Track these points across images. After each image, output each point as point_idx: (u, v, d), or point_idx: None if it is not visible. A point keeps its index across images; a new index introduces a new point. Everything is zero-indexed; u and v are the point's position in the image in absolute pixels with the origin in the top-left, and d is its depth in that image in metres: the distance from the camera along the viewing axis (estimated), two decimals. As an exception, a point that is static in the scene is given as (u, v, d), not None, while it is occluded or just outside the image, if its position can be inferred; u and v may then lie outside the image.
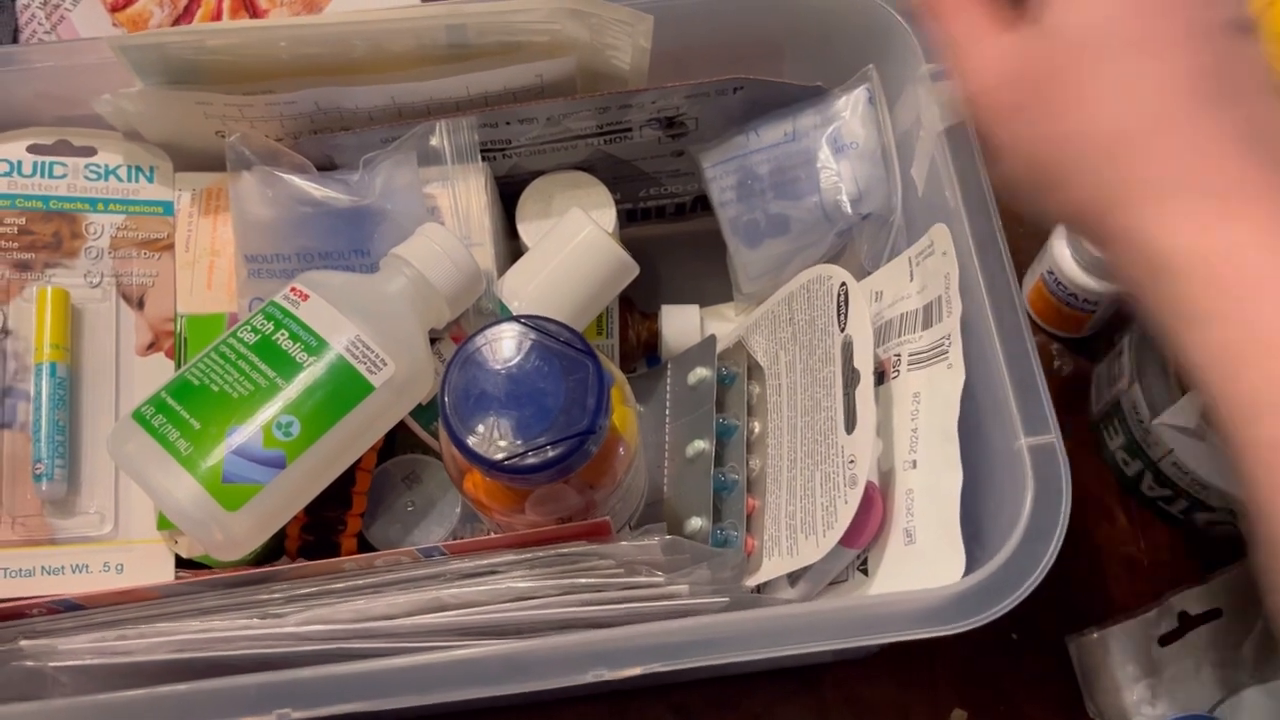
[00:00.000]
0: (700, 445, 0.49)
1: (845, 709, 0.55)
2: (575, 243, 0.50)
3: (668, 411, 0.52)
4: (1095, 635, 0.54)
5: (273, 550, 0.48)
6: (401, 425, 0.51)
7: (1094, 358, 0.62)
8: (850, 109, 0.50)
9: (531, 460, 0.38)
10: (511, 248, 0.60)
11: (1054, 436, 0.41)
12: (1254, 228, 0.32)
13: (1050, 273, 0.59)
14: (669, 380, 0.53)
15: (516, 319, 0.40)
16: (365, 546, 0.50)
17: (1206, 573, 0.55)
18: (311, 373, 0.43)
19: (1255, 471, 0.32)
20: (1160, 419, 0.53)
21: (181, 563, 0.49)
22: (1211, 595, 0.54)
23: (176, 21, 0.68)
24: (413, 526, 0.50)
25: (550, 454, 0.38)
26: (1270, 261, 0.32)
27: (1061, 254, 0.58)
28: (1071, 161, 0.35)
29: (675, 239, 0.61)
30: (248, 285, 0.48)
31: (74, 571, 0.47)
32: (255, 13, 0.68)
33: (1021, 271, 0.63)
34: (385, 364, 0.43)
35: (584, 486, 0.42)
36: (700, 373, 0.51)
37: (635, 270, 0.51)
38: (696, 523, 0.48)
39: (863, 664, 0.55)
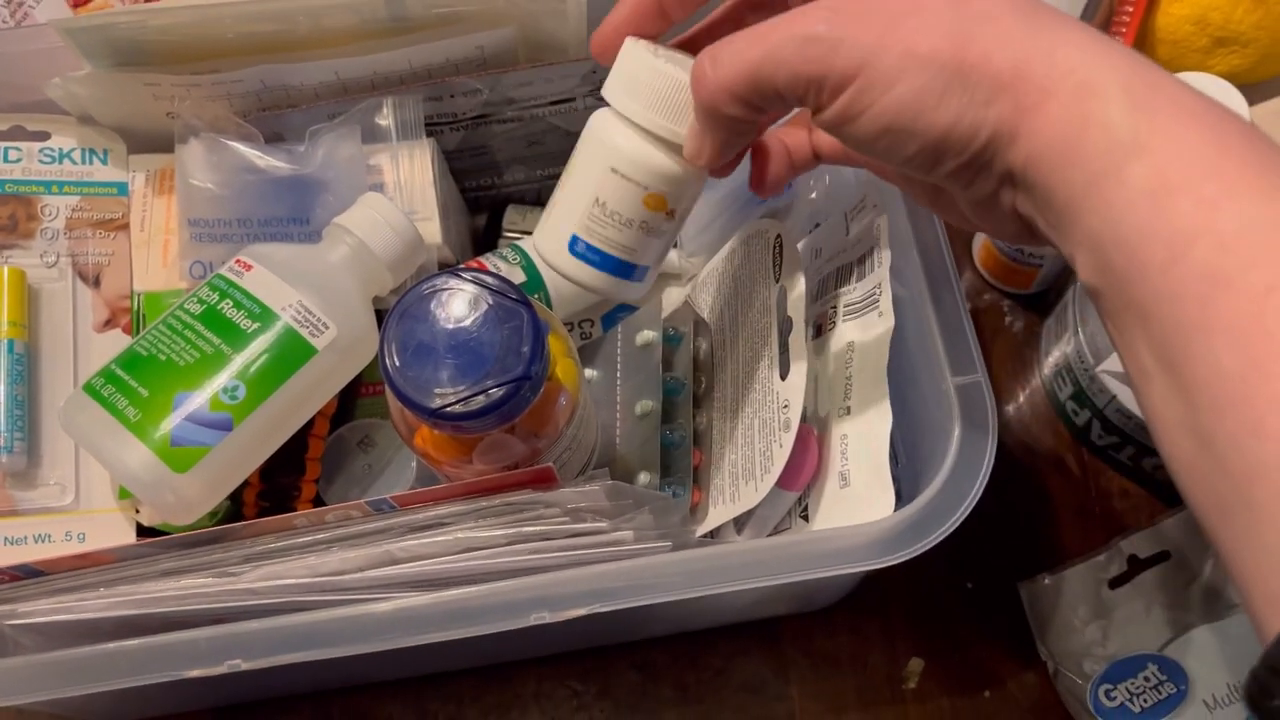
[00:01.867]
0: (648, 404, 0.50)
1: (804, 661, 0.56)
2: None
3: (619, 372, 0.53)
4: (1047, 580, 0.55)
5: (230, 518, 0.50)
6: (356, 392, 0.53)
7: (1044, 313, 0.63)
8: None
9: (470, 406, 0.39)
10: (466, 222, 0.61)
11: (980, 375, 0.42)
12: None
13: (996, 229, 0.60)
14: (620, 341, 0.54)
15: (451, 272, 0.41)
16: (325, 513, 0.51)
17: (1154, 517, 0.56)
18: (256, 338, 0.44)
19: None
20: (1102, 366, 0.54)
21: (143, 532, 0.50)
22: (1160, 538, 0.55)
23: (136, 14, 0.69)
24: (370, 488, 0.51)
25: (488, 400, 0.39)
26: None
27: (1006, 210, 0.59)
28: (982, 30, 0.31)
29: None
30: (189, 248, 0.49)
31: (36, 541, 0.48)
32: (214, 3, 0.70)
33: (970, 232, 0.64)
34: (328, 327, 0.44)
35: (528, 435, 0.43)
36: (647, 334, 0.52)
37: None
38: (645, 477, 0.49)
39: (820, 616, 0.56)
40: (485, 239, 0.60)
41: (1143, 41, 0.62)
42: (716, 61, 0.33)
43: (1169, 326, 0.28)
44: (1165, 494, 0.58)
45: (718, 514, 0.47)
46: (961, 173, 0.32)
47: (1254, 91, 0.61)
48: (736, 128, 0.35)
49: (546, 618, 0.40)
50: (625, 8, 0.38)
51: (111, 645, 0.40)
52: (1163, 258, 0.28)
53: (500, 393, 0.39)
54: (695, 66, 0.34)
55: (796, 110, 0.41)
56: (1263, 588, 0.27)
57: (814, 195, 0.53)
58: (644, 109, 0.37)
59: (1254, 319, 0.27)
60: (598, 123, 0.39)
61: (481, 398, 0.39)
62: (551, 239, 0.40)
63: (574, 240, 0.39)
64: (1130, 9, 0.60)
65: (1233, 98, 0.56)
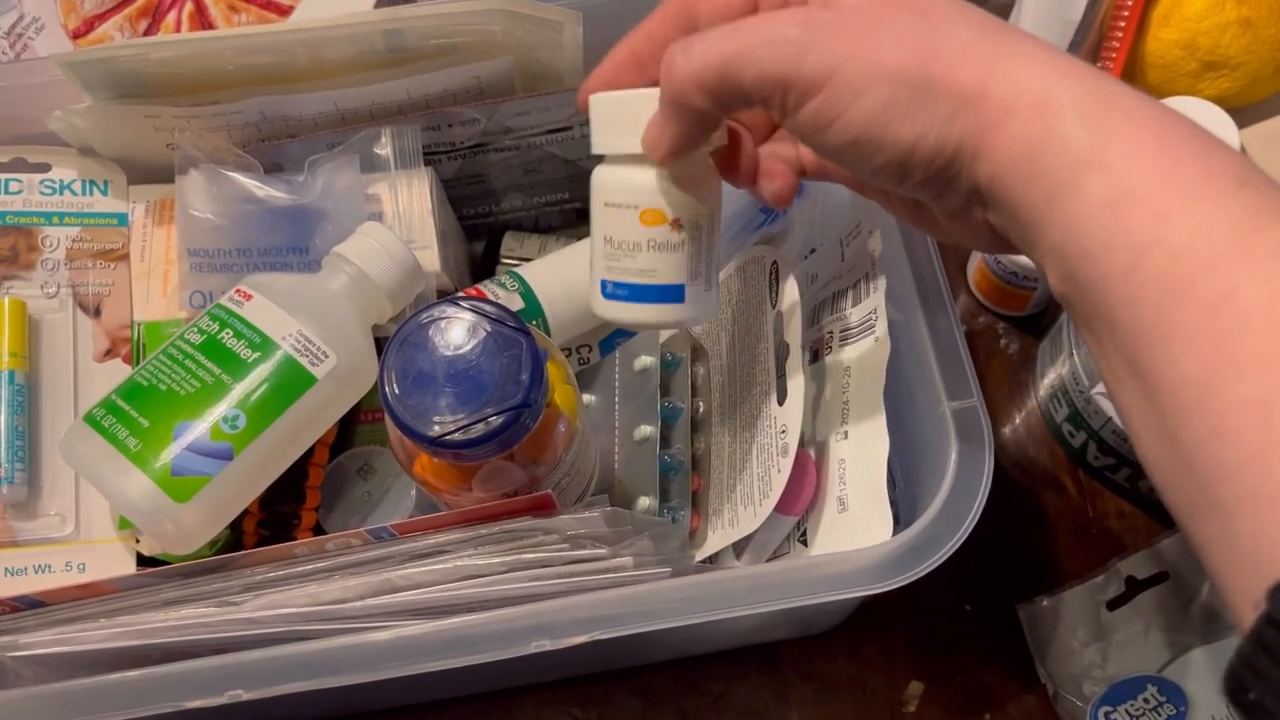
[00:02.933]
0: (646, 430, 0.51)
1: (804, 685, 0.56)
2: None
3: (617, 397, 0.53)
4: (1045, 602, 0.55)
5: (230, 548, 0.50)
6: (355, 420, 0.53)
7: (1039, 335, 0.63)
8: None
9: (470, 435, 0.40)
10: (464, 250, 0.61)
11: (976, 400, 0.42)
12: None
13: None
14: (617, 367, 0.54)
15: (450, 301, 0.41)
16: (324, 541, 0.51)
17: (1152, 538, 0.56)
18: (256, 367, 0.44)
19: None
20: (1098, 388, 0.54)
21: (144, 561, 0.50)
22: (1157, 559, 0.55)
23: (135, 45, 0.70)
24: (369, 515, 0.51)
25: (487, 428, 0.39)
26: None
27: (999, 233, 0.59)
28: (945, 45, 0.32)
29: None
30: (189, 278, 0.49)
31: (36, 572, 0.48)
32: (212, 34, 0.70)
33: (965, 256, 0.65)
34: (327, 356, 0.45)
35: (527, 462, 0.43)
36: (644, 360, 0.52)
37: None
38: (644, 502, 0.49)
39: (820, 640, 0.56)
40: (483, 266, 0.60)
41: (1132, 66, 0.63)
42: (688, 52, 0.34)
43: (1133, 333, 0.29)
44: (1162, 515, 0.58)
45: (716, 539, 0.47)
46: (929, 185, 0.33)
47: (1243, 114, 0.62)
48: (699, 121, 0.35)
49: (547, 645, 0.40)
50: (607, 63, 0.39)
51: (113, 676, 0.40)
52: (1122, 267, 0.29)
53: (499, 420, 0.40)
54: (666, 55, 0.34)
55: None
56: (1236, 584, 0.28)
57: (809, 221, 0.53)
58: (612, 137, 0.38)
59: (1208, 326, 0.28)
60: (592, 178, 0.40)
61: (481, 426, 0.40)
62: (593, 296, 0.40)
63: (604, 285, 0.40)
64: (1120, 34, 0.61)
65: (1222, 121, 0.56)
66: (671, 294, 0.39)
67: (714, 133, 0.37)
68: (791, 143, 0.42)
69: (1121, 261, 0.29)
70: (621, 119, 0.38)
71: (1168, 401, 0.28)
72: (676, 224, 0.39)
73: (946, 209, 0.34)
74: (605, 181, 0.39)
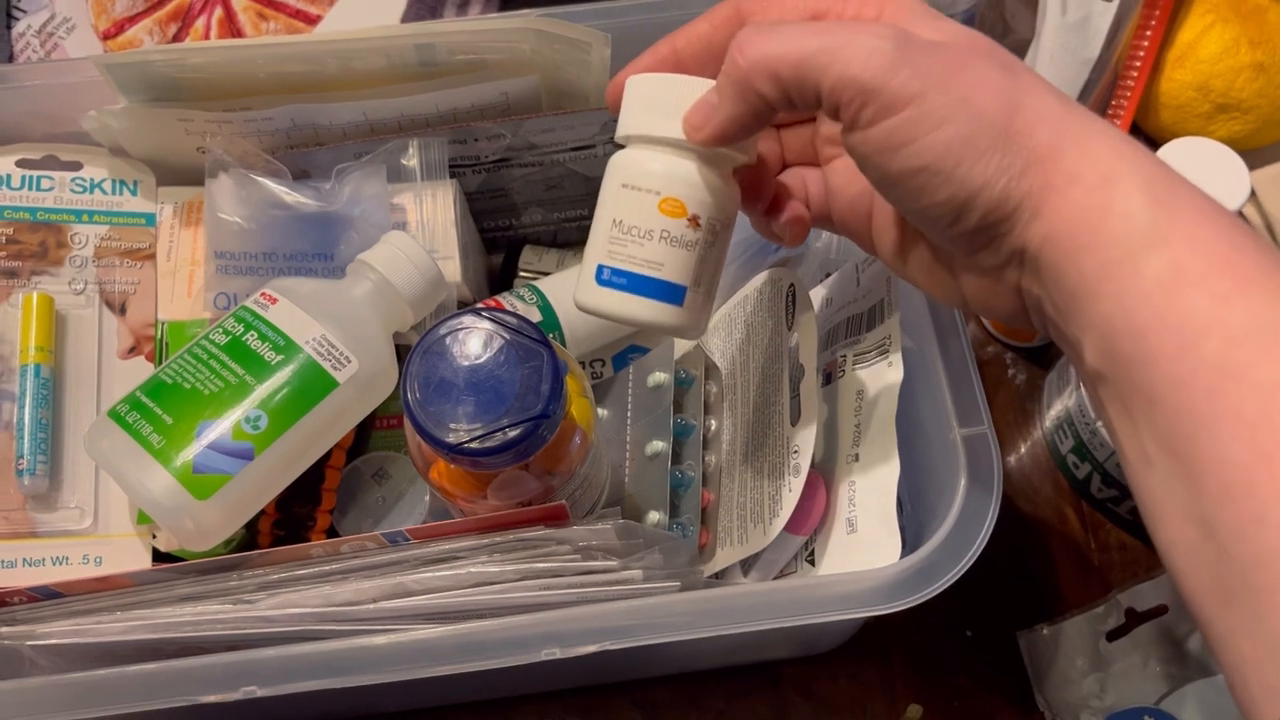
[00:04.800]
0: (658, 445, 0.51)
1: (805, 705, 0.56)
2: None
3: (629, 412, 0.54)
4: (1046, 631, 0.56)
5: (244, 547, 0.50)
6: (372, 425, 0.54)
7: (1047, 366, 0.64)
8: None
9: (488, 443, 0.40)
10: (483, 262, 0.62)
11: (986, 427, 0.43)
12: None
13: (1001, 283, 0.61)
14: (631, 382, 0.55)
15: (473, 311, 0.42)
16: (336, 544, 0.52)
17: (1153, 570, 0.57)
18: (279, 370, 0.45)
19: None
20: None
21: (160, 557, 0.51)
22: (1158, 592, 0.56)
23: (165, 49, 0.71)
24: (383, 519, 0.52)
25: (506, 437, 0.40)
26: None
27: (1011, 265, 0.60)
28: (1030, 101, 0.32)
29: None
30: (215, 280, 0.50)
31: (54, 563, 0.49)
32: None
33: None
34: (349, 361, 0.46)
35: (542, 472, 0.44)
36: (659, 376, 0.53)
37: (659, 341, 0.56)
38: (654, 516, 0.50)
39: (821, 661, 0.57)
40: (501, 278, 0.61)
41: (1146, 106, 0.64)
42: (769, 35, 0.33)
43: (1177, 413, 0.29)
44: (1163, 548, 0.59)
45: (725, 555, 0.47)
46: (977, 235, 0.33)
47: (1254, 157, 0.63)
48: (756, 110, 0.34)
49: (557, 654, 0.41)
50: (646, 57, 0.38)
51: (128, 668, 0.40)
52: (1174, 347, 0.29)
53: (518, 430, 0.40)
54: (742, 33, 0.33)
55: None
56: (1259, 677, 0.28)
57: (825, 245, 0.54)
58: (646, 117, 0.37)
59: (1261, 412, 0.28)
60: (610, 161, 0.39)
61: (499, 435, 0.40)
62: (581, 282, 0.39)
63: (599, 270, 0.38)
64: (1135, 73, 0.62)
65: (1233, 163, 0.57)
66: (672, 293, 0.37)
67: (762, 127, 0.35)
68: (801, 184, 0.41)
69: (1174, 341, 0.29)
70: (661, 101, 0.36)
71: (1209, 485, 0.28)
72: (695, 221, 0.37)
73: (980, 265, 0.34)
74: (628, 162, 0.37)
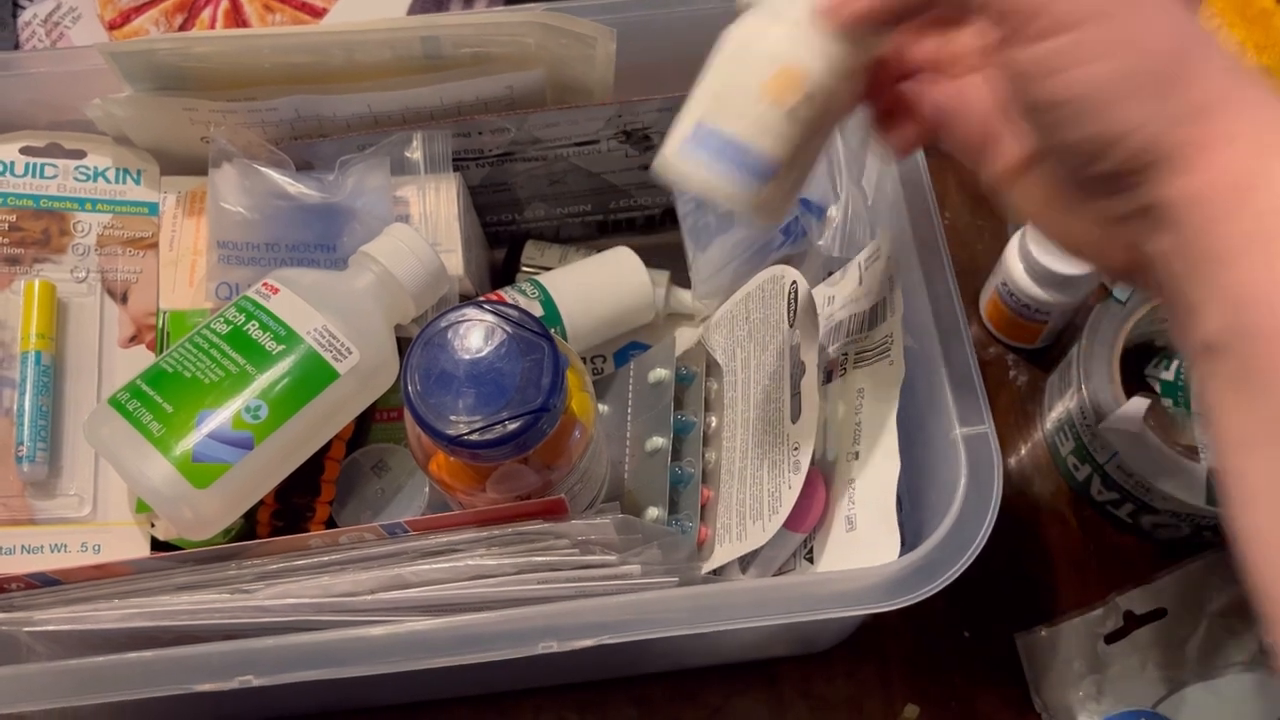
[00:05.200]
0: (658, 441, 0.51)
1: (801, 703, 0.56)
2: (620, 267, 0.58)
3: (630, 408, 0.54)
4: (1043, 633, 0.56)
5: (243, 537, 0.50)
6: (372, 418, 0.54)
7: (1048, 368, 0.64)
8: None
9: (488, 435, 0.40)
10: (486, 256, 0.62)
11: (987, 427, 0.43)
12: None
13: (1004, 284, 0.61)
14: (631, 378, 0.55)
15: (475, 304, 0.42)
16: (335, 535, 0.52)
17: (1152, 574, 0.57)
18: (280, 360, 0.45)
19: None
20: (1105, 423, 0.55)
21: (158, 545, 0.51)
22: (1156, 595, 0.56)
23: (171, 39, 0.71)
24: (381, 511, 0.52)
25: (506, 429, 0.40)
26: None
27: (1014, 265, 0.60)
28: (1197, 52, 0.31)
29: (644, 251, 0.64)
30: (217, 269, 0.50)
31: (53, 550, 0.49)
32: (247, 32, 0.71)
33: (978, 287, 0.66)
34: (350, 352, 0.46)
35: (541, 466, 0.44)
36: (660, 373, 0.53)
37: (651, 315, 0.57)
38: (654, 512, 0.50)
39: (818, 659, 0.57)
40: (504, 272, 0.61)
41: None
42: None
43: None
44: (1162, 551, 0.59)
45: (724, 552, 0.47)
46: (1114, 179, 0.31)
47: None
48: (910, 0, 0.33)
49: (554, 647, 0.41)
50: None
51: (124, 656, 0.40)
52: None
53: (518, 423, 0.40)
54: None
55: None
56: None
57: (828, 244, 0.54)
58: None
59: None
60: (724, 33, 0.36)
61: (499, 427, 0.40)
62: (669, 142, 0.35)
63: (696, 129, 0.35)
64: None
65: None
66: (761, 169, 0.34)
67: (910, 19, 0.34)
68: (921, 93, 0.39)
69: None
70: None
71: None
72: (808, 98, 0.34)
73: (1107, 209, 0.33)
74: (747, 28, 0.35)
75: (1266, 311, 0.29)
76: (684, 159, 0.35)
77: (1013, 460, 0.62)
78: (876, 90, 0.38)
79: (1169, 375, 0.61)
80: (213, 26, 0.72)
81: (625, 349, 0.60)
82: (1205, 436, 0.32)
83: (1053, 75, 0.30)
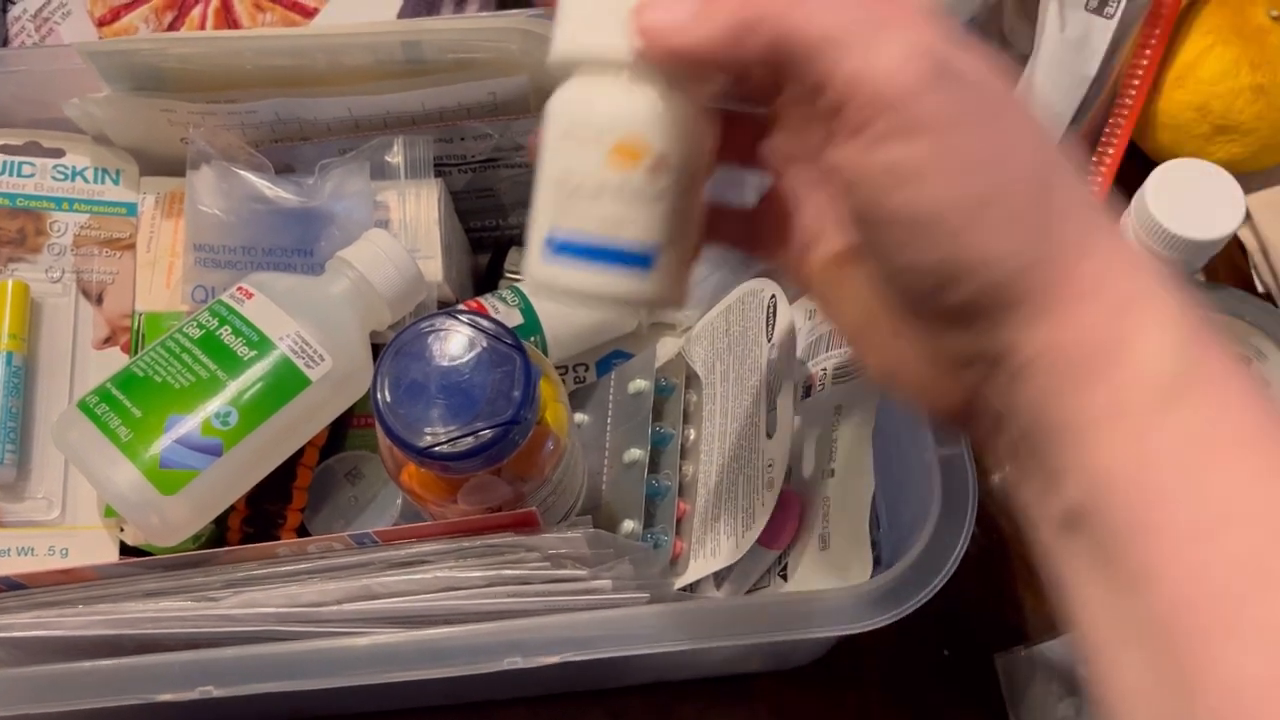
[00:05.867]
0: (636, 453, 0.51)
1: (775, 719, 0.56)
2: None
3: (610, 418, 0.54)
4: (1023, 653, 0.55)
5: (214, 542, 0.50)
6: (348, 423, 0.53)
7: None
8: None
9: (458, 447, 0.40)
10: (468, 262, 0.62)
11: (963, 449, 0.43)
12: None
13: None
14: (612, 388, 0.54)
15: (448, 313, 0.41)
16: (308, 542, 0.52)
17: (1134, 595, 0.56)
18: (252, 366, 0.44)
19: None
20: (1089, 442, 0.54)
21: (127, 550, 0.50)
22: (1138, 617, 0.55)
23: (159, 37, 0.71)
24: (354, 520, 0.51)
25: (475, 441, 0.40)
26: None
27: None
28: (1060, 183, 0.27)
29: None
30: (193, 272, 0.50)
31: (19, 554, 0.49)
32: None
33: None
34: (324, 359, 0.45)
35: (513, 478, 0.43)
36: (639, 384, 0.53)
37: (633, 324, 0.56)
38: (629, 525, 0.49)
39: (794, 676, 0.56)
40: (487, 278, 0.61)
41: (1144, 125, 0.63)
42: None
43: (1182, 604, 0.24)
44: (1145, 573, 0.58)
45: (698, 567, 0.47)
46: (958, 314, 0.27)
47: (1251, 180, 0.62)
48: (737, 56, 0.27)
49: (519, 663, 0.40)
50: None
51: (85, 664, 0.40)
52: (1191, 525, 0.24)
53: (488, 435, 0.40)
54: None
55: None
56: None
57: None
58: (587, 30, 0.29)
59: None
60: (549, 105, 0.30)
61: (470, 439, 0.40)
62: (529, 258, 0.31)
63: (549, 241, 0.30)
64: (1133, 92, 0.62)
65: (1229, 186, 0.56)
66: (636, 258, 0.30)
67: (726, 75, 0.30)
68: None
69: (1193, 518, 0.24)
70: (607, 9, 0.28)
71: (1208, 700, 0.23)
72: (660, 164, 0.29)
73: (947, 348, 0.28)
74: (569, 101, 0.30)
75: (1134, 502, 0.25)
76: (551, 274, 0.30)
77: (996, 477, 0.62)
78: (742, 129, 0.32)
79: (1156, 394, 0.61)
80: (203, 25, 0.71)
81: (608, 357, 0.60)
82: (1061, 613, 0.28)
83: (901, 186, 0.26)
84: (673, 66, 0.28)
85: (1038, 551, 0.28)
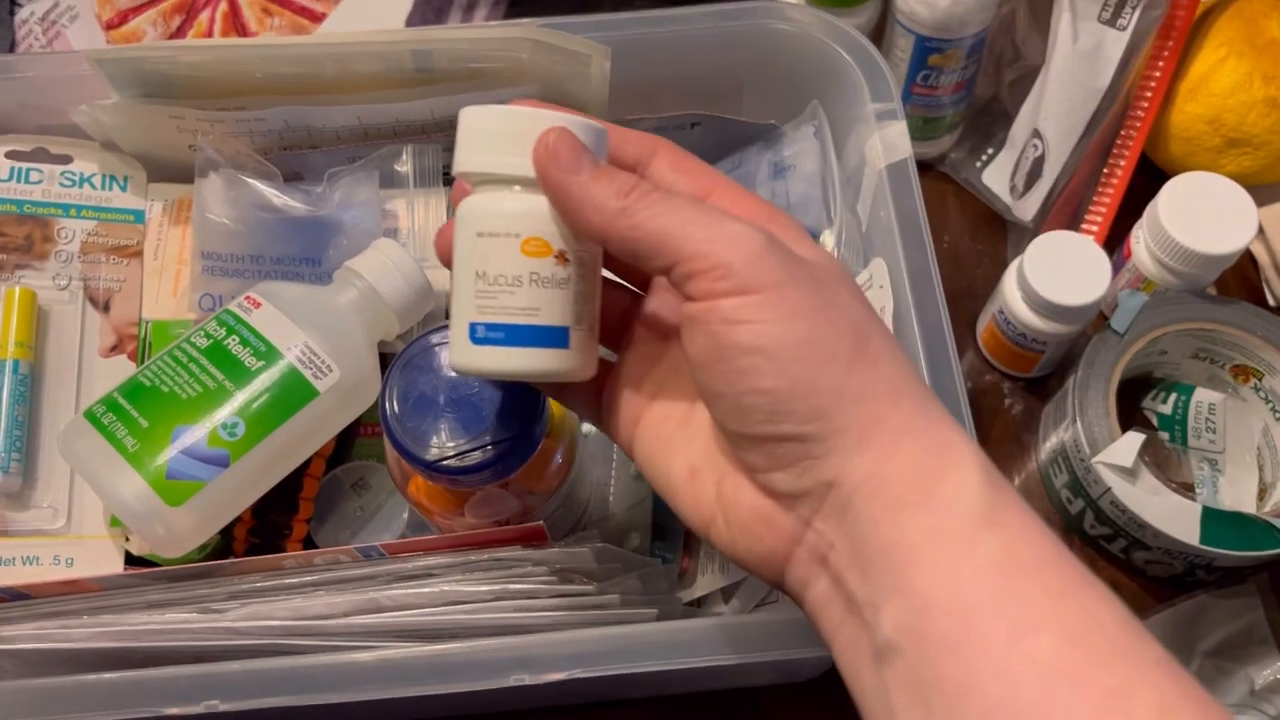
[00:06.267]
0: (644, 465, 0.51)
1: (783, 733, 0.55)
2: None
3: (616, 431, 0.53)
4: (1031, 669, 0.55)
5: (219, 553, 0.50)
6: (356, 432, 0.53)
7: (1045, 398, 0.63)
8: (795, 140, 0.52)
9: (466, 461, 0.40)
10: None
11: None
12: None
13: (1001, 312, 0.60)
14: (618, 401, 0.54)
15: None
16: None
17: (1143, 611, 0.56)
18: (259, 377, 0.44)
19: None
20: (1099, 457, 0.54)
21: (132, 560, 0.50)
22: (1149, 631, 0.55)
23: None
24: (360, 531, 0.51)
25: (484, 456, 0.39)
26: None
27: (1012, 294, 0.59)
28: (877, 335, 0.32)
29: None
30: (200, 280, 0.50)
31: (24, 563, 0.48)
32: (245, 36, 0.71)
33: (974, 313, 0.65)
34: (331, 370, 0.45)
35: (521, 491, 0.43)
36: (648, 394, 0.52)
37: None
38: (636, 539, 0.49)
39: (802, 689, 0.56)
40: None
41: (1156, 137, 0.63)
42: (636, 202, 0.32)
43: (999, 710, 0.27)
44: (1155, 588, 0.58)
45: (706, 582, 0.47)
46: (786, 445, 0.31)
47: (1263, 194, 0.62)
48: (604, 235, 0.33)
49: (526, 680, 0.40)
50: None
51: (89, 677, 0.40)
52: (1004, 635, 0.27)
53: (497, 450, 0.40)
54: (655, 185, 0.32)
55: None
56: None
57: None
58: (488, 155, 0.34)
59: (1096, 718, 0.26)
60: (458, 210, 0.35)
61: (478, 453, 0.40)
62: (455, 345, 0.35)
63: (472, 330, 0.34)
64: (1145, 104, 0.61)
65: (1241, 199, 0.56)
66: (554, 337, 0.34)
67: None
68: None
69: (1005, 629, 0.28)
70: (506, 136, 0.34)
71: None
72: (563, 256, 0.34)
73: (773, 485, 0.31)
74: (478, 209, 0.34)
75: (951, 621, 0.28)
76: (479, 358, 0.34)
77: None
78: None
79: (1166, 409, 0.61)
80: (210, 29, 0.71)
81: (615, 368, 0.60)
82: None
83: (739, 325, 0.30)
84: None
85: (856, 694, 0.31)
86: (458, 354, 0.35)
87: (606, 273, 0.37)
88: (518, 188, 0.34)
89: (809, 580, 0.32)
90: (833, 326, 0.31)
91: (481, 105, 0.34)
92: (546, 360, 0.34)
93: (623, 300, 0.39)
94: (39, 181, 0.52)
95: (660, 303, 0.37)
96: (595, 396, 0.38)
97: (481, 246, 0.34)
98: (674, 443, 0.35)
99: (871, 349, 0.31)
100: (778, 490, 0.31)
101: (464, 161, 0.34)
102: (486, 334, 0.34)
